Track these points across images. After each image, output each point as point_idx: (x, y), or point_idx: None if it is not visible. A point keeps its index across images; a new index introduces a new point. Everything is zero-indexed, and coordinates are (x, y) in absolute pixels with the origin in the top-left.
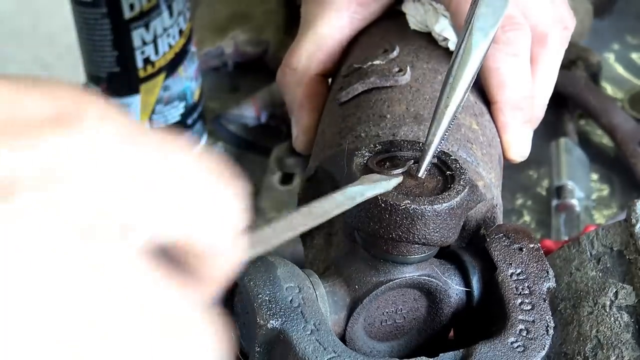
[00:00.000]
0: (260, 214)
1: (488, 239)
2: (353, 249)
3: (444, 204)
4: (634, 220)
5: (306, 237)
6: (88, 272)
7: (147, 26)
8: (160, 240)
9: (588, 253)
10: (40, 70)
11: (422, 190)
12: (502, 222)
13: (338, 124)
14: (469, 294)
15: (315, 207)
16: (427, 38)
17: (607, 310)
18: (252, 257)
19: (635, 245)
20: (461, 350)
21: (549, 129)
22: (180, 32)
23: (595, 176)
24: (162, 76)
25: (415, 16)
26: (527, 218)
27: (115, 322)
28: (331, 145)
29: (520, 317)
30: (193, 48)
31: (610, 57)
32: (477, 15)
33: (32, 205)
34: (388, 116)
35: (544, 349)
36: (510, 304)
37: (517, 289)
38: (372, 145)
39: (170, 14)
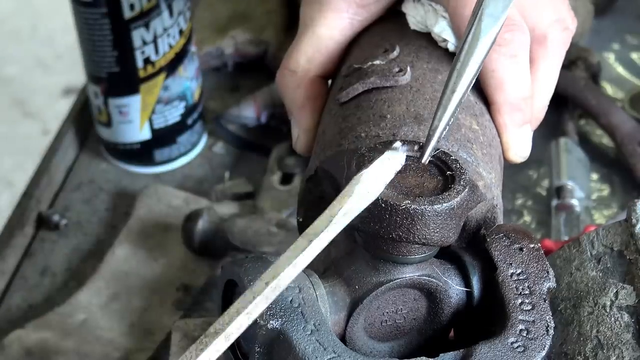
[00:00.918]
0: (260, 213)
1: (488, 239)
2: (353, 249)
3: (444, 204)
4: (634, 220)
5: None
6: None
7: (147, 26)
8: None
9: (588, 253)
10: (40, 70)
11: (422, 190)
12: (502, 222)
13: (338, 124)
14: (469, 294)
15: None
16: (427, 38)
17: (608, 311)
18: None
19: (635, 246)
20: (461, 350)
21: (549, 129)
22: (180, 32)
23: (595, 176)
24: (162, 76)
25: (415, 16)
26: (527, 218)
27: None
28: (331, 145)
29: (520, 317)
30: (193, 48)
31: (610, 57)
32: (487, 1)
33: None
34: (388, 116)
35: (544, 349)
36: (511, 304)
37: (517, 289)
38: (372, 145)
39: (170, 14)
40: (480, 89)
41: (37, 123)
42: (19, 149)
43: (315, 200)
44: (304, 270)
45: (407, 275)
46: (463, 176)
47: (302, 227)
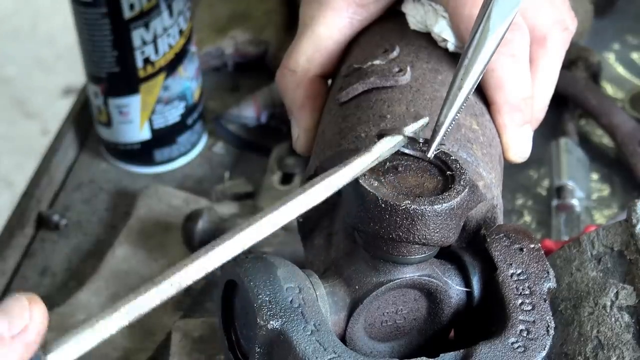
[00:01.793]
0: None
1: (488, 239)
2: (353, 250)
3: (444, 204)
4: (634, 221)
5: (306, 237)
6: None
7: (147, 26)
8: None
9: (588, 253)
10: (40, 70)
11: (422, 190)
12: (502, 222)
13: (338, 124)
14: (469, 294)
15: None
16: (427, 38)
17: (608, 311)
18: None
19: (635, 246)
20: (461, 350)
21: (549, 129)
22: (180, 32)
23: (595, 176)
24: (162, 76)
25: (415, 16)
26: (527, 218)
27: None
28: (331, 145)
29: (520, 317)
30: (193, 48)
31: (610, 57)
32: (495, 0)
33: None
34: (388, 116)
35: (544, 350)
36: (511, 305)
37: (517, 289)
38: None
39: (170, 14)
40: (480, 89)
41: (37, 123)
42: (19, 149)
43: None
44: (303, 271)
45: (407, 276)
46: (463, 176)
47: (302, 227)
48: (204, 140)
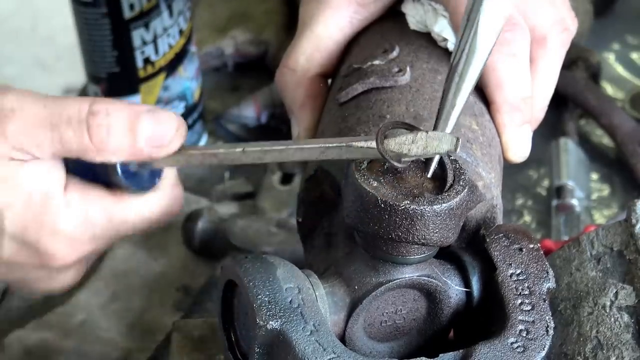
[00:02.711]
0: (260, 213)
1: (488, 239)
2: (353, 250)
3: (444, 205)
4: (634, 221)
5: (306, 237)
6: None
7: (147, 26)
8: None
9: (588, 253)
10: (40, 70)
11: (421, 190)
12: (502, 223)
13: (338, 124)
14: (468, 294)
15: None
16: (427, 38)
17: (607, 311)
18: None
19: (635, 246)
20: (461, 350)
21: (549, 129)
22: (180, 32)
23: (595, 176)
24: (162, 76)
25: (414, 16)
26: (527, 218)
27: None
28: None
29: (520, 317)
30: (193, 48)
31: (610, 57)
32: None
33: None
34: (388, 116)
35: (543, 350)
36: (510, 305)
37: (517, 289)
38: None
39: (170, 14)
40: (480, 88)
41: None
42: None
43: (315, 201)
44: (303, 271)
45: (407, 276)
46: (462, 176)
47: (302, 227)
48: (204, 140)
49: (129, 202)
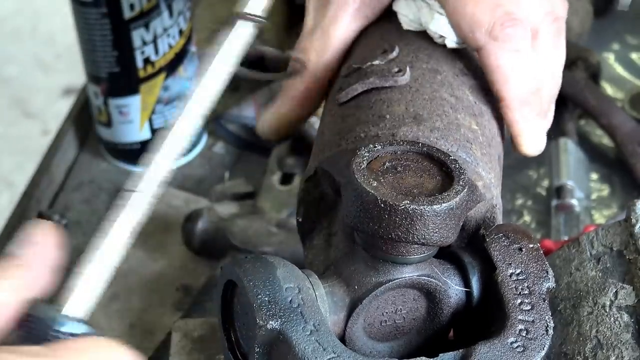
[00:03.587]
0: (260, 213)
1: (487, 239)
2: (353, 250)
3: (443, 204)
4: (633, 220)
5: (306, 237)
6: None
7: (147, 26)
8: None
9: (588, 253)
10: (40, 70)
11: (421, 190)
12: (501, 222)
13: (337, 124)
14: (468, 294)
15: None
16: (427, 38)
17: (607, 311)
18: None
19: (635, 245)
20: (461, 350)
21: (549, 129)
22: (180, 32)
23: (595, 176)
24: (162, 76)
25: (407, 15)
26: (527, 218)
27: None
28: (331, 145)
29: (519, 317)
30: (193, 48)
31: (610, 57)
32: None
33: None
34: (387, 116)
35: (543, 349)
36: (510, 304)
37: (516, 289)
38: (371, 146)
39: (170, 14)
40: (480, 88)
41: (37, 123)
42: (19, 149)
43: (315, 200)
44: (303, 271)
45: (407, 276)
46: (462, 176)
47: (302, 227)
48: (204, 140)
49: None
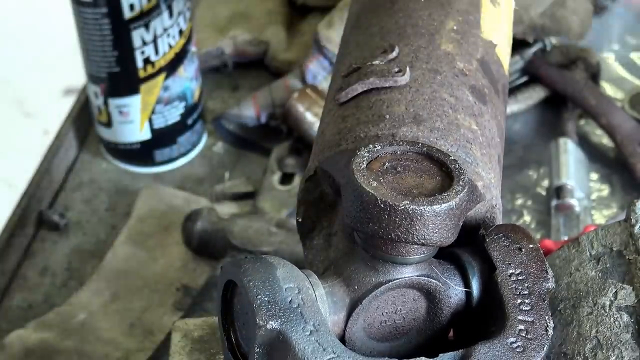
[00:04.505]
0: (260, 213)
1: (487, 239)
2: (352, 250)
3: (443, 205)
4: (633, 221)
5: (306, 237)
6: None
7: (147, 26)
8: None
9: (588, 253)
10: (40, 70)
11: (421, 190)
12: (501, 222)
13: (337, 124)
14: (468, 294)
15: None
16: (427, 38)
17: (607, 311)
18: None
19: (635, 246)
20: (461, 350)
21: (549, 129)
22: (180, 32)
23: (595, 176)
24: (162, 76)
25: None
26: (527, 218)
27: None
28: (331, 145)
29: (519, 317)
30: (193, 48)
31: (610, 57)
32: None
33: None
34: (387, 116)
35: (543, 349)
36: (510, 304)
37: (516, 289)
38: (371, 146)
39: (170, 14)
40: (479, 88)
41: (37, 123)
42: (19, 149)
43: (315, 200)
44: (303, 271)
45: (406, 276)
46: (462, 176)
47: (302, 227)
48: (204, 140)
49: None
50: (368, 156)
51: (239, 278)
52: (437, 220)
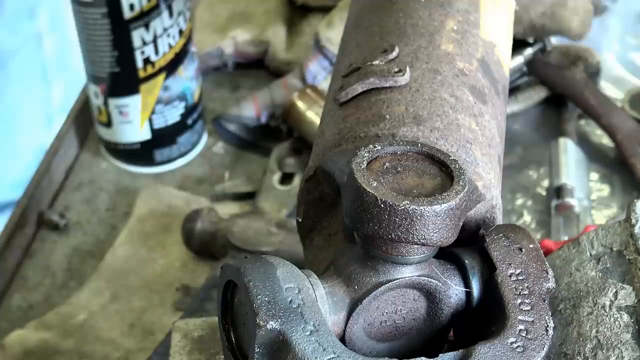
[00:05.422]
0: (260, 213)
1: (487, 239)
2: (353, 250)
3: (443, 205)
4: (633, 221)
5: (306, 237)
6: None
7: (147, 26)
8: None
9: (588, 253)
10: (39, 71)
11: (421, 190)
12: (501, 223)
13: (337, 124)
14: (468, 294)
15: None
16: (427, 38)
17: (607, 311)
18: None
19: (635, 246)
20: (461, 350)
21: (549, 129)
22: (180, 32)
23: (595, 176)
24: (162, 76)
25: None
26: (526, 218)
27: None
28: (331, 145)
29: (519, 317)
30: (193, 48)
31: (610, 57)
32: None
33: None
34: (387, 117)
35: (543, 349)
36: (510, 304)
37: (516, 289)
38: (371, 146)
39: (170, 14)
40: (479, 88)
41: None
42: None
43: (315, 200)
44: (303, 271)
45: (406, 276)
46: (462, 176)
47: (302, 227)
48: (204, 140)
49: None
50: (368, 156)
51: (239, 278)
52: (437, 220)
